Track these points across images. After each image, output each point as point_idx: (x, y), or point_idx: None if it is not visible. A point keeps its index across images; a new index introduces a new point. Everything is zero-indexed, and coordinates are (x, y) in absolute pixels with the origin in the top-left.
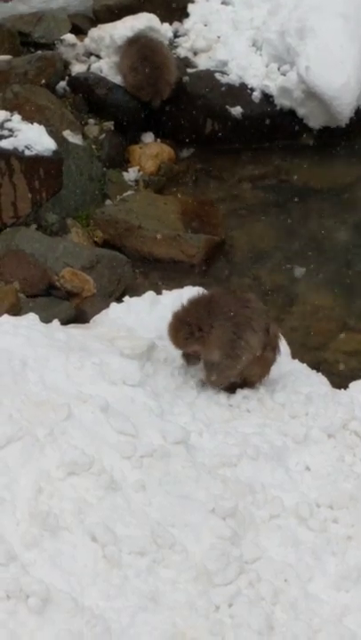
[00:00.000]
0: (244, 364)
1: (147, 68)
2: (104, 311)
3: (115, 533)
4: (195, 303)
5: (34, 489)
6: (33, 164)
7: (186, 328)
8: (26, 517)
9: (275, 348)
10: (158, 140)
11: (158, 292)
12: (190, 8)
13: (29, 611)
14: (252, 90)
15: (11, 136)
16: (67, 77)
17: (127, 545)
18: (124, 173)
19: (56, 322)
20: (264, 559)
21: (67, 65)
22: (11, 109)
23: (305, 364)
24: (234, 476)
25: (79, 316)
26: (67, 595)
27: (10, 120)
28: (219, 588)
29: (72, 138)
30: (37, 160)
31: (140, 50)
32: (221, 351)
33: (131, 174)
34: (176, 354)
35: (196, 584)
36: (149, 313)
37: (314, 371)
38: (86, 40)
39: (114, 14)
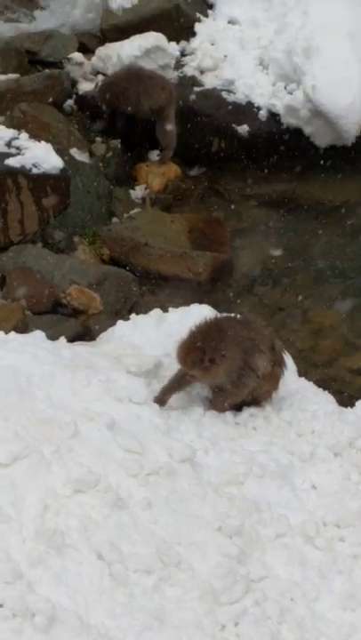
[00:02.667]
0: (250, 388)
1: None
2: (110, 329)
3: (121, 551)
4: (205, 329)
5: (40, 506)
6: (40, 182)
7: (197, 353)
8: (32, 535)
9: (281, 364)
10: None
11: (165, 310)
12: (197, 27)
13: (35, 629)
14: (259, 108)
15: (18, 154)
16: (74, 96)
17: (133, 563)
18: (131, 191)
19: (62, 339)
20: (270, 578)
21: (74, 83)
22: (18, 127)
23: (311, 383)
24: (240, 494)
25: (85, 334)
26: (72, 613)
27: (17, 138)
28: (225, 607)
29: (79, 156)
30: (45, 178)
31: None
32: (229, 379)
33: (137, 192)
34: None
35: (203, 603)
36: (156, 330)
37: (320, 389)
38: (93, 59)
39: (121, 33)
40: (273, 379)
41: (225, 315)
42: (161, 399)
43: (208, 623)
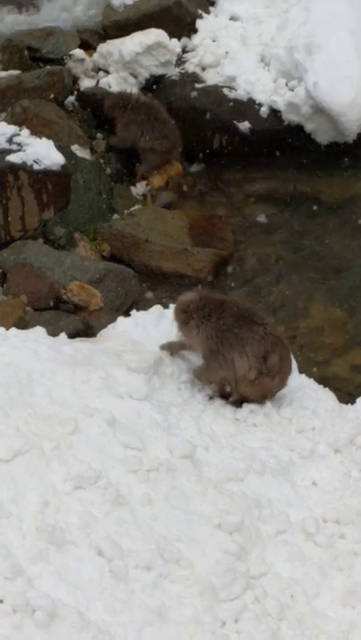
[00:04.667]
0: (221, 376)
1: None
2: (111, 325)
3: (121, 548)
4: (212, 297)
5: (40, 502)
6: (41, 179)
7: (188, 305)
8: (32, 531)
9: (275, 377)
10: None
11: (165, 307)
12: (199, 24)
13: (35, 625)
14: (260, 105)
15: (19, 150)
16: (75, 92)
17: (133, 559)
18: (132, 188)
19: (63, 335)
20: (270, 574)
21: (75, 80)
22: (19, 124)
23: (312, 379)
24: (240, 490)
25: (86, 330)
26: (73, 609)
27: (19, 134)
28: (225, 604)
29: (80, 152)
30: (46, 174)
31: None
32: (202, 354)
33: (138, 189)
34: (183, 367)
35: (203, 599)
36: (156, 327)
37: (321, 386)
38: (95, 55)
39: (123, 30)
40: (259, 387)
41: (244, 304)
42: (166, 346)
43: (208, 620)
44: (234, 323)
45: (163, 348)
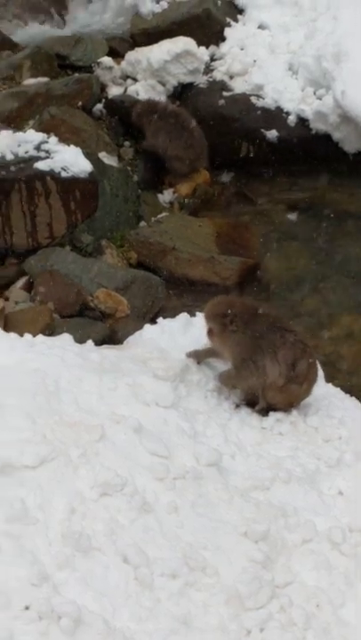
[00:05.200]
0: (250, 384)
1: None
2: (138, 332)
3: (147, 555)
4: (244, 303)
5: (67, 509)
6: (69, 186)
7: (223, 309)
8: (58, 538)
9: (302, 384)
10: None
11: (192, 314)
12: (227, 32)
13: (61, 632)
14: (288, 114)
15: (47, 157)
16: (103, 100)
17: (159, 567)
18: (159, 195)
19: (90, 342)
20: (296, 584)
21: (103, 87)
22: (48, 131)
23: (338, 389)
24: (266, 499)
25: (113, 337)
26: (98, 616)
27: (47, 142)
28: (250, 612)
29: (108, 160)
30: (73, 181)
31: None
32: (232, 360)
33: (165, 196)
34: (210, 375)
35: (228, 607)
36: (183, 334)
37: (347, 395)
38: (123, 63)
39: (151, 38)
40: (287, 394)
41: (274, 312)
42: (193, 354)
43: (234, 628)
44: (266, 329)
45: (189, 355)
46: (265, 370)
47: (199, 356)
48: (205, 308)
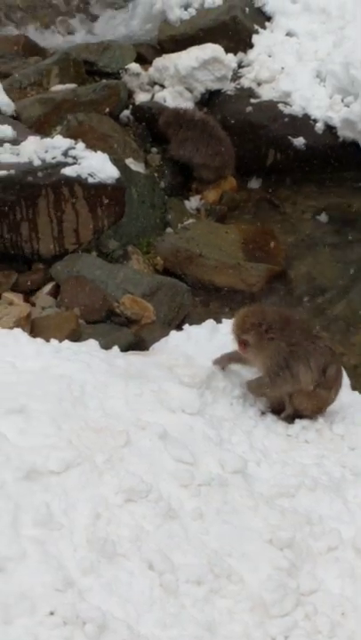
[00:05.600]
0: (283, 392)
1: None
2: (164, 339)
3: (172, 561)
4: (275, 312)
5: (92, 515)
6: (96, 192)
7: (256, 319)
8: (83, 543)
9: (331, 389)
10: None
11: (218, 321)
12: (255, 39)
13: (86, 637)
14: (316, 121)
15: (75, 163)
16: (130, 106)
17: (184, 573)
18: (186, 202)
19: (116, 348)
20: (321, 591)
21: (131, 94)
22: (75, 137)
23: None
24: (292, 506)
25: (138, 343)
26: (123, 622)
27: (74, 148)
28: (275, 620)
29: (135, 166)
30: (100, 187)
31: None
32: (266, 368)
33: (192, 203)
34: (236, 382)
35: (253, 615)
36: (209, 341)
37: None
38: (151, 69)
39: (179, 44)
40: (315, 399)
41: (303, 319)
42: (219, 361)
43: (258, 636)
44: (300, 336)
45: (216, 362)
46: (298, 377)
47: (225, 362)
48: (237, 320)
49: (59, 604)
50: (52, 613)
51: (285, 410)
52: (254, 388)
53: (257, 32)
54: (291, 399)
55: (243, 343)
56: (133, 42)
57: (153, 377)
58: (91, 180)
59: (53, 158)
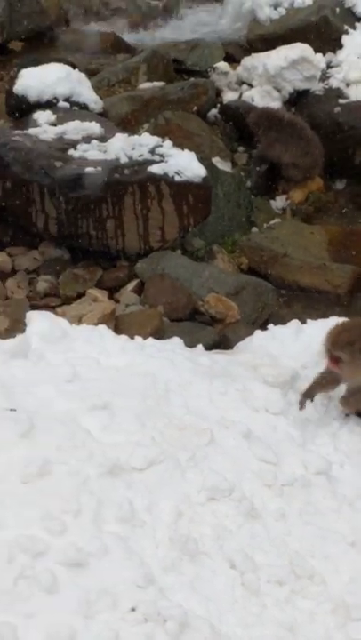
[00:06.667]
0: None
1: None
2: (248, 338)
3: (254, 561)
4: None
5: (174, 512)
6: (182, 190)
7: (351, 336)
8: (165, 541)
9: None
10: None
11: (302, 321)
12: (344, 39)
13: (167, 634)
14: None
15: (161, 161)
16: (218, 105)
17: (266, 573)
18: (272, 201)
19: (200, 347)
20: None
21: (218, 92)
22: (162, 135)
23: None
24: None
25: (222, 342)
26: (204, 620)
27: (161, 146)
28: (357, 623)
29: (221, 165)
30: (187, 186)
31: None
32: None
33: (278, 202)
34: None
35: (335, 617)
36: (294, 342)
37: None
38: (239, 68)
39: (268, 44)
40: None
41: None
42: (308, 394)
43: (340, 638)
44: None
45: (305, 395)
46: None
47: (314, 393)
48: (331, 336)
49: (140, 601)
50: (133, 610)
51: None
52: (351, 405)
53: (347, 32)
54: None
55: (335, 360)
56: (222, 40)
57: (237, 376)
58: (177, 178)
59: (140, 156)
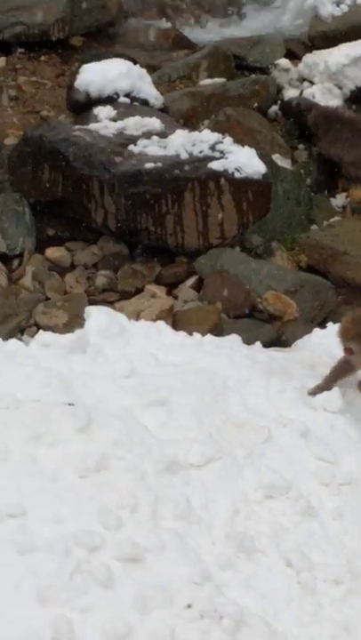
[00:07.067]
0: None
1: None
2: (306, 336)
3: (310, 560)
4: None
5: (231, 510)
6: (242, 187)
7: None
8: (222, 538)
9: None
10: None
11: None
12: None
13: (223, 632)
14: None
15: (222, 158)
16: (279, 102)
17: (322, 572)
18: (332, 199)
19: (258, 344)
20: None
21: (279, 89)
22: (222, 131)
23: None
24: None
25: (280, 340)
26: (260, 618)
27: (221, 142)
28: None
29: (281, 162)
30: (247, 183)
31: None
32: None
33: (338, 200)
34: None
35: None
36: None
37: None
38: (300, 65)
39: (329, 41)
40: None
41: None
42: (323, 387)
43: None
44: None
45: (318, 389)
46: None
47: (330, 384)
48: (342, 328)
49: (196, 598)
50: (189, 606)
51: None
52: None
53: None
54: None
55: (348, 350)
56: (283, 37)
57: (295, 374)
58: (237, 174)
59: (201, 152)
